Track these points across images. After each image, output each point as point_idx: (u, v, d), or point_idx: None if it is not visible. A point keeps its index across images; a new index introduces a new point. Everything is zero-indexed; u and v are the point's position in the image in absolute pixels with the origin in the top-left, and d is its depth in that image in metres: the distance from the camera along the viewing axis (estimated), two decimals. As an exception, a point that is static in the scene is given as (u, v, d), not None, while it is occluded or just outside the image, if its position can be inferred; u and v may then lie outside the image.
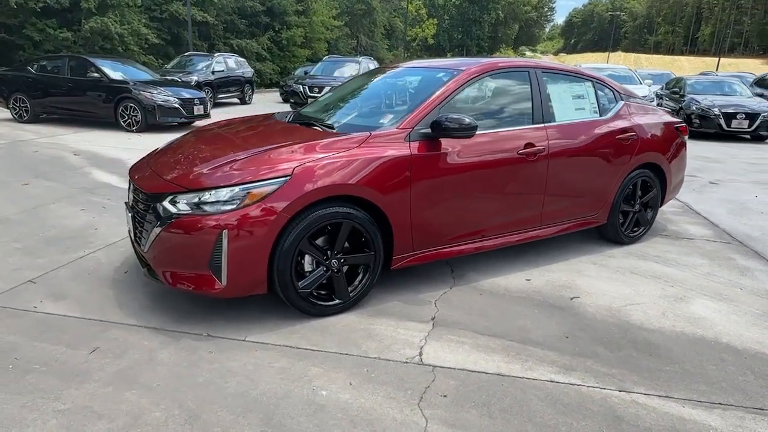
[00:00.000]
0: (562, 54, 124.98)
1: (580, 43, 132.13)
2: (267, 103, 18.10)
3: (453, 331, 2.83)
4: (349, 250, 2.95)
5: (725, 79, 13.88)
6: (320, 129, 3.31)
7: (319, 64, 15.27)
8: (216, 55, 16.21)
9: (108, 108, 9.80)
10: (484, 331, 2.85)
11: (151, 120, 9.65)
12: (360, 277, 2.99)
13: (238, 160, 2.77)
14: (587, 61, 45.27)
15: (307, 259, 2.84)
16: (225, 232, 2.55)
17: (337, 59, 16.16)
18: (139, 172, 3.12)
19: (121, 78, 10.03)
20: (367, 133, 2.98)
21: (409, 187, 2.99)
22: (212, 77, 15.02)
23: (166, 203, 2.67)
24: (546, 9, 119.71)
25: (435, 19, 70.08)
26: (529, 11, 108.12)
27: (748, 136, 11.84)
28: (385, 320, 2.92)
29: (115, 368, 2.39)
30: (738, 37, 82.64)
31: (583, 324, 2.96)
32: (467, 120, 3.00)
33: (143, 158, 3.43)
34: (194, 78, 14.13)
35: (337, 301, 2.94)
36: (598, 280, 3.58)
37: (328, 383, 2.33)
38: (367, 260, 2.98)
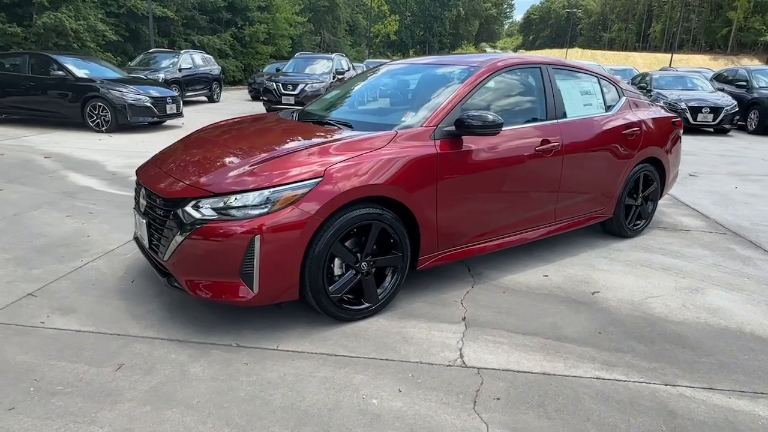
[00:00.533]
0: (521, 50, 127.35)
1: (539, 40, 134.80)
2: (236, 101, 17.68)
3: (487, 330, 2.80)
4: (377, 252, 2.87)
5: (687, 74, 14.40)
6: (336, 127, 3.20)
7: (291, 61, 14.98)
8: (182, 52, 15.66)
9: (74, 108, 9.31)
10: (517, 329, 2.83)
11: (122, 120, 9.23)
12: (389, 279, 2.92)
13: (262, 161, 2.64)
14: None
15: (336, 262, 2.75)
16: (257, 237, 2.42)
17: (308, 56, 15.89)
18: (150, 174, 2.94)
19: (87, 76, 9.55)
20: (393, 132, 2.91)
21: (436, 185, 2.93)
22: (179, 75, 14.50)
23: (188, 208, 2.53)
24: (505, 5, 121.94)
25: (397, 16, 70.31)
26: (489, 8, 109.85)
27: (712, 129, 12.34)
28: (416, 322, 2.86)
29: (147, 386, 2.24)
30: (686, 34, 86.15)
31: (611, 318, 2.98)
32: (491, 117, 2.96)
33: (151, 160, 3.24)
34: (161, 76, 13.62)
35: (367, 304, 2.86)
36: (613, 273, 3.62)
37: (376, 391, 2.25)
38: (395, 262, 2.90)
